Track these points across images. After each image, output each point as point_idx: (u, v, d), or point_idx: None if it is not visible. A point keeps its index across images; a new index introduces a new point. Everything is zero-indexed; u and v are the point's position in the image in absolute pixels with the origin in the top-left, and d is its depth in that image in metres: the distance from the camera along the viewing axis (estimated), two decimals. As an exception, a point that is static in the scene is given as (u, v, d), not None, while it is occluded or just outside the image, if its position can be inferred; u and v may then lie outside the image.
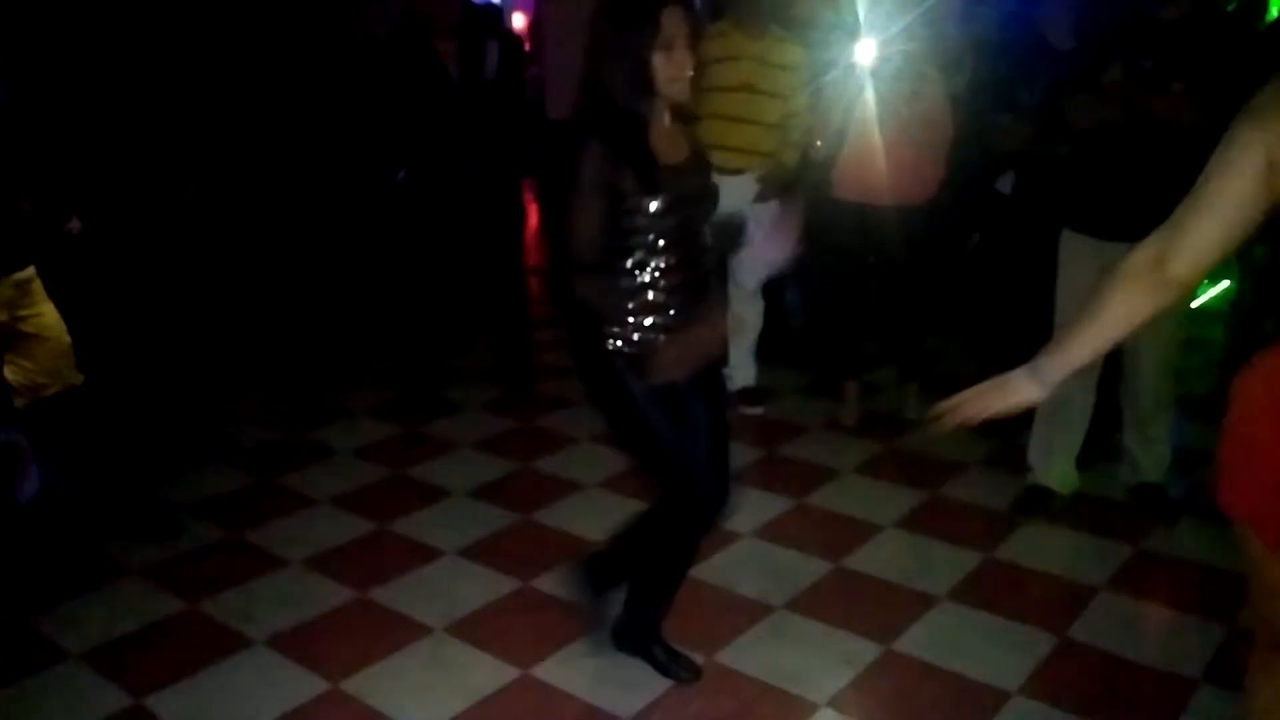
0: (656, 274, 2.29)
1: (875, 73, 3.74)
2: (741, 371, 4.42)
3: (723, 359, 2.54)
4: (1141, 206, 3.02)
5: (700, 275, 2.37)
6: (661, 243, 2.27)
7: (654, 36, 2.16)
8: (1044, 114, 3.45)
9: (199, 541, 3.32)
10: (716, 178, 3.92)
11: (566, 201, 2.22)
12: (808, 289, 4.95)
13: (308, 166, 5.08)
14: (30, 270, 3.04)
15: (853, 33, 3.79)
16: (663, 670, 2.60)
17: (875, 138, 3.77)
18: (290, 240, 5.16)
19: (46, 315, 3.08)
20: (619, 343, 2.31)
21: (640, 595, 2.59)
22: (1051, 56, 3.72)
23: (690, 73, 2.22)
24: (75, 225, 3.29)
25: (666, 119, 2.30)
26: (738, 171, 4.00)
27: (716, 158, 3.95)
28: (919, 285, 4.28)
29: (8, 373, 3.04)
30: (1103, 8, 3.47)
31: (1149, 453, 3.37)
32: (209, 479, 3.76)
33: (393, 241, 4.72)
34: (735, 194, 4.03)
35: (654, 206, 2.23)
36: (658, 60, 2.18)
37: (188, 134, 3.78)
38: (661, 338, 2.29)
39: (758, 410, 4.37)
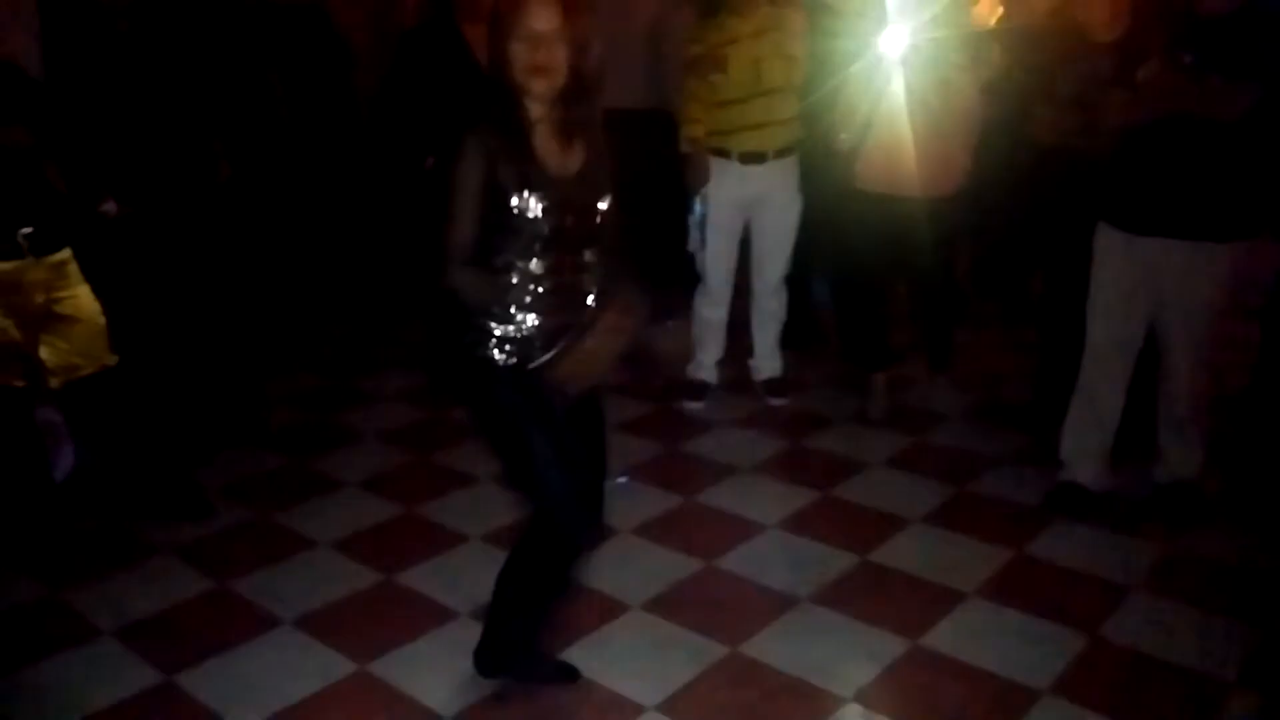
0: (526, 279, 2.19)
1: (903, 62, 3.69)
2: (767, 362, 4.39)
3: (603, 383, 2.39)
4: (1178, 201, 2.99)
5: (575, 287, 2.25)
6: (536, 246, 2.17)
7: (515, 26, 2.08)
8: (1082, 107, 3.39)
9: (229, 522, 3.35)
10: (745, 169, 3.99)
11: (450, 189, 2.15)
12: (834, 281, 4.91)
13: (339, 151, 5.10)
14: (66, 252, 3.08)
15: (880, 21, 3.74)
16: (541, 680, 2.51)
17: (902, 128, 3.72)
18: (320, 224, 5.18)
19: (82, 297, 3.11)
20: (491, 350, 2.21)
21: (499, 616, 2.44)
22: (1090, 48, 3.66)
23: (558, 67, 2.10)
24: (110, 207, 3.32)
25: (547, 118, 2.18)
26: (760, 158, 3.98)
27: (740, 142, 3.98)
28: (945, 277, 4.25)
29: (44, 353, 3.07)
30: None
31: (1183, 451, 3.32)
32: (239, 461, 3.79)
33: (421, 227, 4.72)
34: (759, 182, 4.03)
35: (530, 207, 2.13)
36: (516, 50, 2.09)
37: (220, 116, 3.79)
38: (535, 347, 2.20)
39: (783, 401, 4.35)
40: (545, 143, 2.19)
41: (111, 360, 3.19)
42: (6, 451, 3.15)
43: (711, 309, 4.29)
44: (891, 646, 2.69)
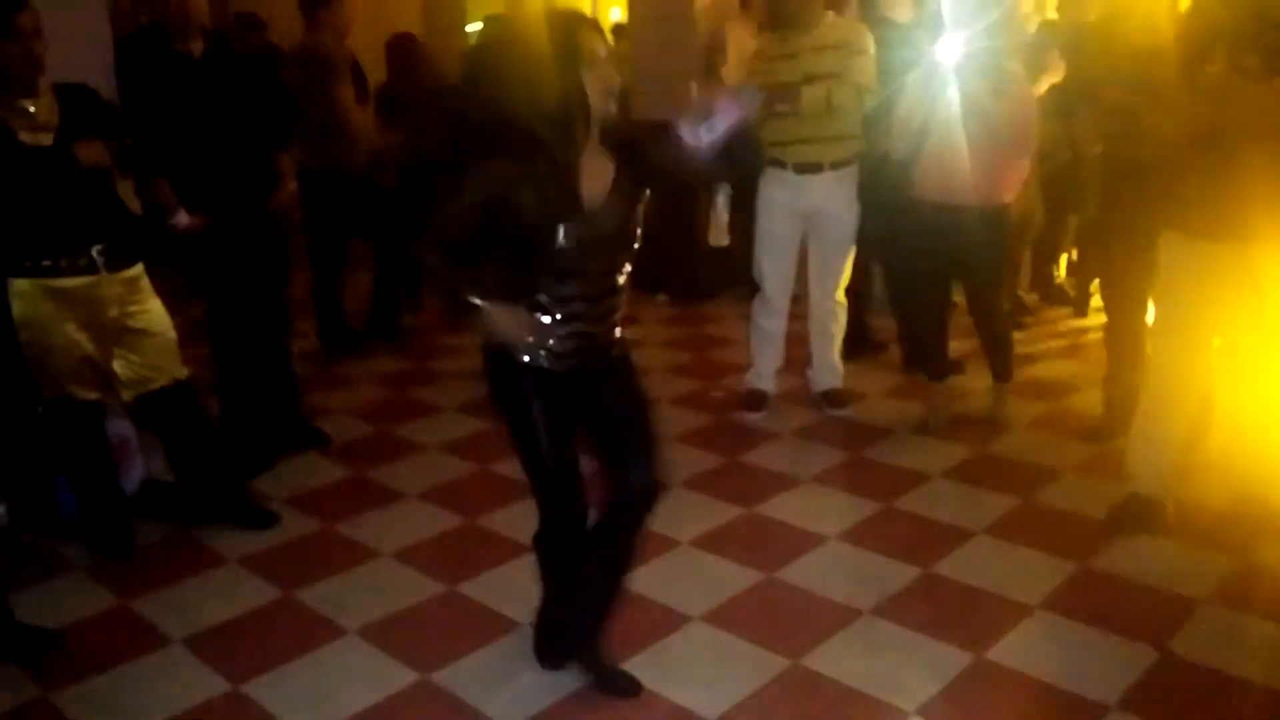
0: (558, 304, 2.26)
1: (959, 70, 3.66)
2: (826, 373, 4.36)
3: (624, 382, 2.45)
4: (1246, 206, 2.92)
5: (605, 309, 2.33)
6: (565, 278, 2.24)
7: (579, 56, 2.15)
8: (1130, 113, 3.33)
9: (294, 533, 3.41)
10: (800, 179, 3.99)
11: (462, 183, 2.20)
12: (893, 291, 4.87)
13: (389, 165, 5.20)
14: (139, 268, 3.16)
15: (935, 29, 3.71)
16: (603, 685, 2.56)
17: (958, 137, 3.68)
18: (376, 236, 5.28)
19: (154, 311, 3.20)
20: (525, 355, 2.29)
21: (545, 607, 2.60)
22: (1140, 53, 3.59)
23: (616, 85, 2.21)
24: (181, 220, 3.41)
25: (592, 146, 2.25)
26: (816, 168, 3.99)
27: (795, 154, 4.00)
28: (1004, 285, 4.18)
29: (116, 366, 3.16)
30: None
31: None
32: (302, 472, 3.86)
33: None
34: (815, 193, 4.03)
35: (560, 240, 2.18)
36: (588, 79, 2.16)
37: (280, 131, 3.88)
38: (555, 353, 2.29)
39: (843, 412, 4.32)
40: (587, 167, 2.24)
41: (182, 373, 3.27)
42: (79, 463, 3.24)
43: (769, 319, 4.27)
44: (955, 660, 2.65)
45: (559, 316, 2.27)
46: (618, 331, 2.40)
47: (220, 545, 3.32)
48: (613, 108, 2.23)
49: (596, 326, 2.33)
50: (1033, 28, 5.28)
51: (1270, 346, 3.06)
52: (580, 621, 2.56)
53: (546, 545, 2.53)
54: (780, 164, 4.01)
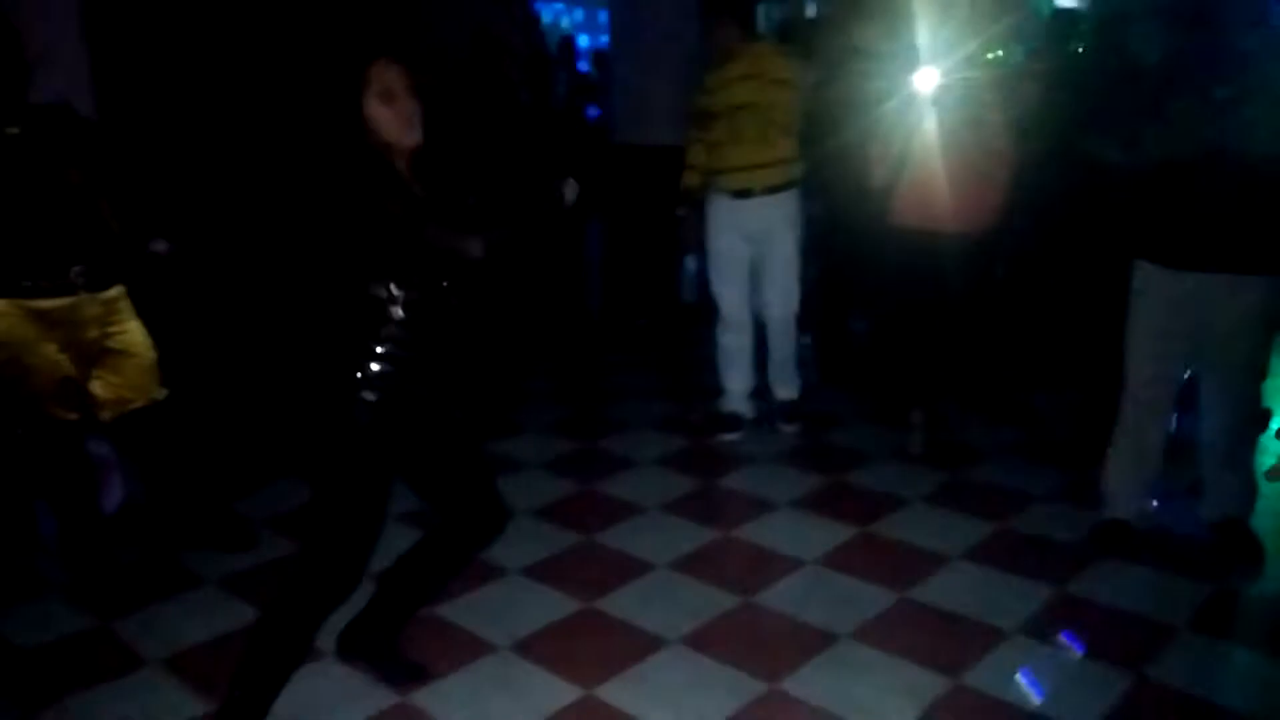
0: (399, 310, 2.22)
1: (935, 102, 3.71)
2: (783, 385, 4.40)
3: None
4: (1216, 235, 2.97)
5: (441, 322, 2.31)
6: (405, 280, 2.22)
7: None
8: (1122, 141, 3.39)
9: (274, 554, 3.40)
10: (735, 203, 4.10)
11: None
12: (873, 317, 4.91)
13: (370, 188, 5.22)
14: (119, 288, 3.16)
15: (911, 62, 3.77)
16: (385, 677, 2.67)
17: (936, 164, 3.74)
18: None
19: (133, 332, 3.19)
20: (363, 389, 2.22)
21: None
22: (1139, 81, 3.65)
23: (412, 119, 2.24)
24: (161, 247, 3.41)
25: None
26: (746, 193, 4.11)
27: (729, 181, 4.11)
28: (982, 313, 4.23)
29: (95, 387, 3.15)
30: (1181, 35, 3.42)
31: (1230, 487, 3.27)
32: (281, 493, 3.84)
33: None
34: (752, 217, 4.14)
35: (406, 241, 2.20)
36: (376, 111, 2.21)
37: (266, 151, 3.89)
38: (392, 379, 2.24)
39: (792, 429, 4.35)
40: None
41: (161, 394, 3.26)
42: (58, 484, 3.23)
43: (730, 336, 4.35)
44: (931, 685, 2.66)
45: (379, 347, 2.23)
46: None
47: (200, 566, 3.31)
48: (415, 137, 2.25)
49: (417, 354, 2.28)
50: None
51: (1239, 372, 3.11)
52: (400, 615, 2.65)
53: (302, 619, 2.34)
54: (719, 189, 4.17)
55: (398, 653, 2.71)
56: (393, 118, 2.21)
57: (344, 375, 2.21)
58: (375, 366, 2.21)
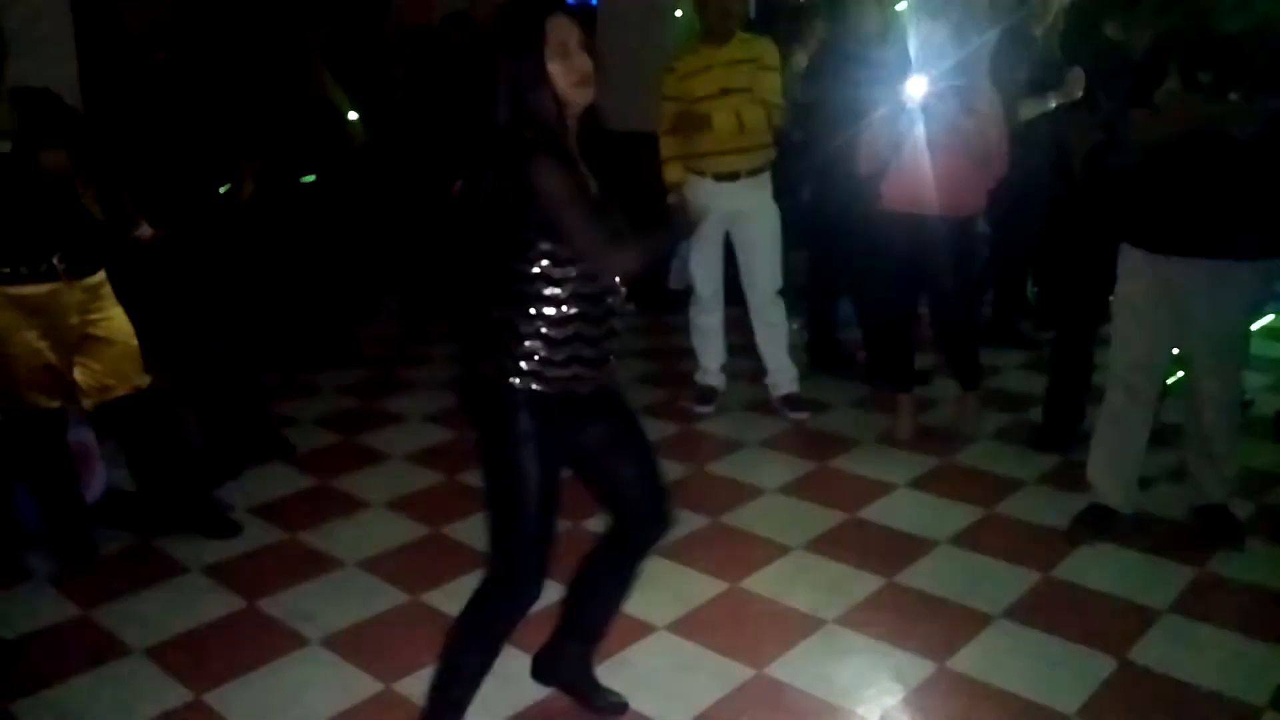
0: (578, 305, 2.10)
1: (925, 109, 3.68)
2: (782, 377, 4.42)
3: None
4: (1199, 220, 2.98)
5: (609, 313, 2.18)
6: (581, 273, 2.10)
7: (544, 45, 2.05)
8: (1107, 126, 3.39)
9: (257, 542, 3.39)
10: (712, 185, 4.11)
11: (561, 210, 2.01)
12: (860, 302, 4.91)
13: (365, 175, 5.17)
14: (100, 275, 3.13)
15: (904, 66, 3.75)
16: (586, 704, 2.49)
17: (925, 149, 3.73)
18: (348, 247, 5.24)
19: (115, 319, 3.17)
20: (529, 380, 2.10)
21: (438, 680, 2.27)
22: (1129, 66, 3.65)
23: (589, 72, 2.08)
24: (145, 231, 3.38)
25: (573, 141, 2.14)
26: (732, 176, 4.15)
27: (709, 165, 4.14)
28: (971, 296, 4.23)
29: (77, 374, 3.13)
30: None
31: (1213, 472, 3.28)
32: (266, 481, 3.83)
33: (448, 253, 4.79)
34: (734, 198, 4.18)
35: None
36: (554, 68, 2.05)
37: (244, 137, 3.86)
38: (576, 373, 2.12)
39: (804, 415, 4.37)
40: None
41: (143, 381, 3.24)
42: (40, 472, 3.20)
43: (704, 317, 4.46)
44: (918, 668, 2.67)
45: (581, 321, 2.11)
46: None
47: (183, 554, 3.29)
48: (588, 96, 2.11)
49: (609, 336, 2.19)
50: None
51: (1221, 357, 3.11)
52: (589, 639, 2.48)
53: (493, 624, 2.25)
54: (700, 173, 4.20)
55: (594, 677, 2.53)
56: (565, 73, 2.08)
57: (512, 364, 2.11)
58: (546, 354, 2.10)
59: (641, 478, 2.30)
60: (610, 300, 2.17)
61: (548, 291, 2.09)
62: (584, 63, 2.08)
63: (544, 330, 2.09)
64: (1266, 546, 3.24)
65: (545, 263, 2.07)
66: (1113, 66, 3.72)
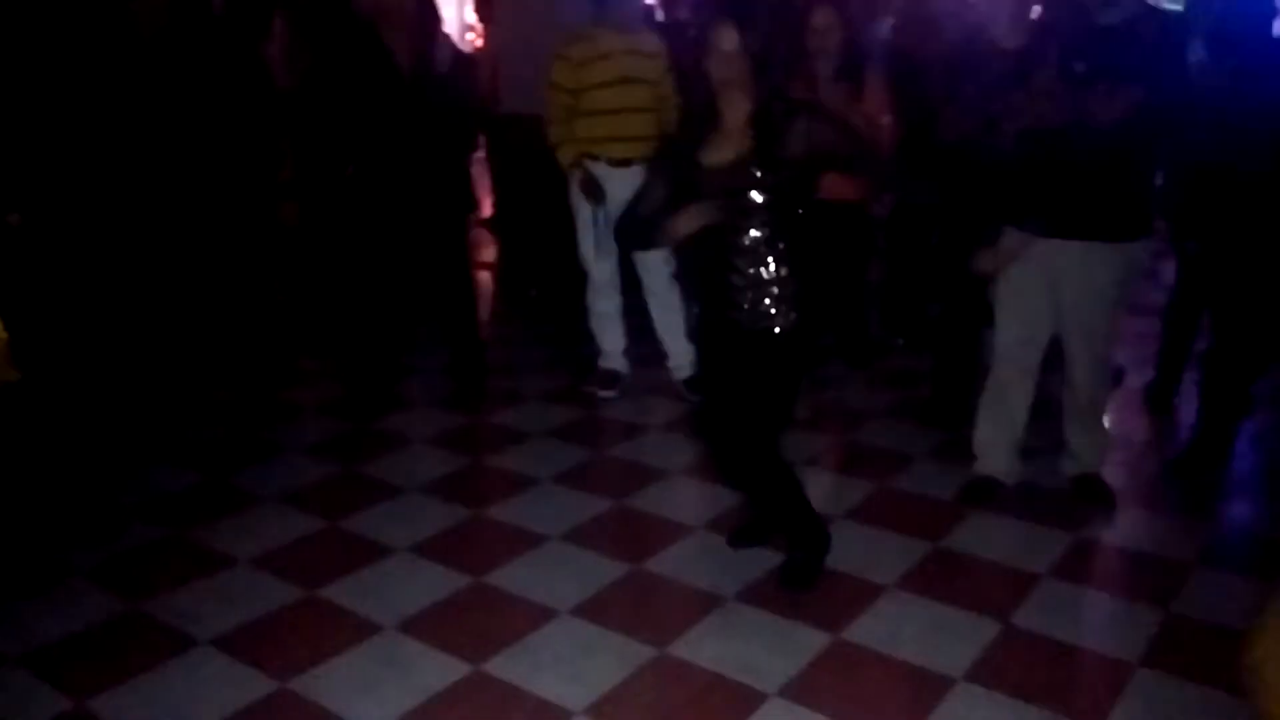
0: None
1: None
2: (682, 360, 4.39)
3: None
4: (1070, 204, 3.11)
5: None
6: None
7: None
8: (981, 112, 3.50)
9: (144, 541, 3.27)
10: (606, 170, 4.15)
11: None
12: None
13: (253, 158, 5.00)
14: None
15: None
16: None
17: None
18: (236, 233, 5.07)
19: (-18, 312, 3.01)
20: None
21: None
22: (997, 53, 3.77)
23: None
24: (14, 218, 3.22)
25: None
26: (626, 162, 4.12)
27: (606, 150, 4.15)
28: (862, 279, 4.33)
29: (-58, 371, 2.97)
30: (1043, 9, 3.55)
31: (1087, 443, 3.44)
32: (155, 477, 3.70)
33: (342, 236, 4.68)
34: (627, 185, 4.12)
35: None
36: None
37: (126, 124, 3.70)
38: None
39: (697, 398, 4.40)
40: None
41: (12, 376, 3.08)
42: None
43: (602, 302, 4.46)
44: (813, 641, 2.73)
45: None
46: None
47: (64, 556, 3.15)
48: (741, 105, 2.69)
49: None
50: None
51: (1093, 335, 3.26)
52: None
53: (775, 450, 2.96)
54: (594, 158, 4.19)
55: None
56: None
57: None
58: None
59: None
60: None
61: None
62: None
63: None
64: (1136, 512, 3.42)
65: None
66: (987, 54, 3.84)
